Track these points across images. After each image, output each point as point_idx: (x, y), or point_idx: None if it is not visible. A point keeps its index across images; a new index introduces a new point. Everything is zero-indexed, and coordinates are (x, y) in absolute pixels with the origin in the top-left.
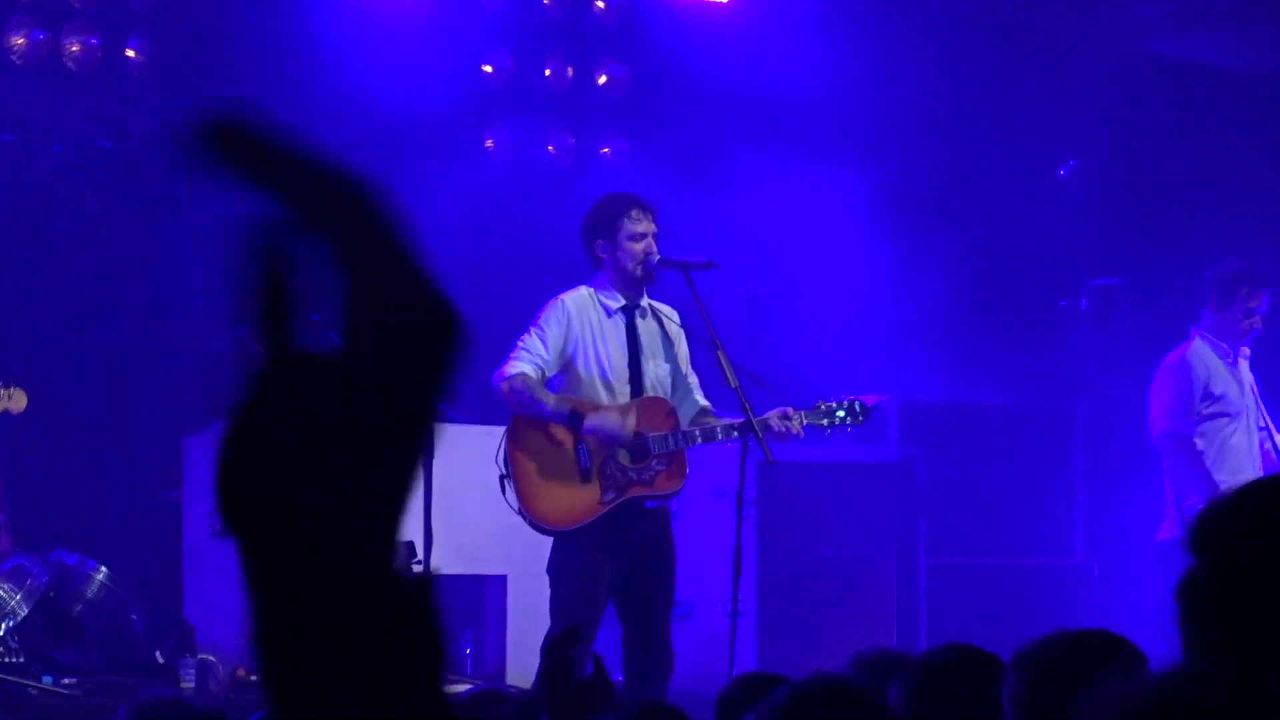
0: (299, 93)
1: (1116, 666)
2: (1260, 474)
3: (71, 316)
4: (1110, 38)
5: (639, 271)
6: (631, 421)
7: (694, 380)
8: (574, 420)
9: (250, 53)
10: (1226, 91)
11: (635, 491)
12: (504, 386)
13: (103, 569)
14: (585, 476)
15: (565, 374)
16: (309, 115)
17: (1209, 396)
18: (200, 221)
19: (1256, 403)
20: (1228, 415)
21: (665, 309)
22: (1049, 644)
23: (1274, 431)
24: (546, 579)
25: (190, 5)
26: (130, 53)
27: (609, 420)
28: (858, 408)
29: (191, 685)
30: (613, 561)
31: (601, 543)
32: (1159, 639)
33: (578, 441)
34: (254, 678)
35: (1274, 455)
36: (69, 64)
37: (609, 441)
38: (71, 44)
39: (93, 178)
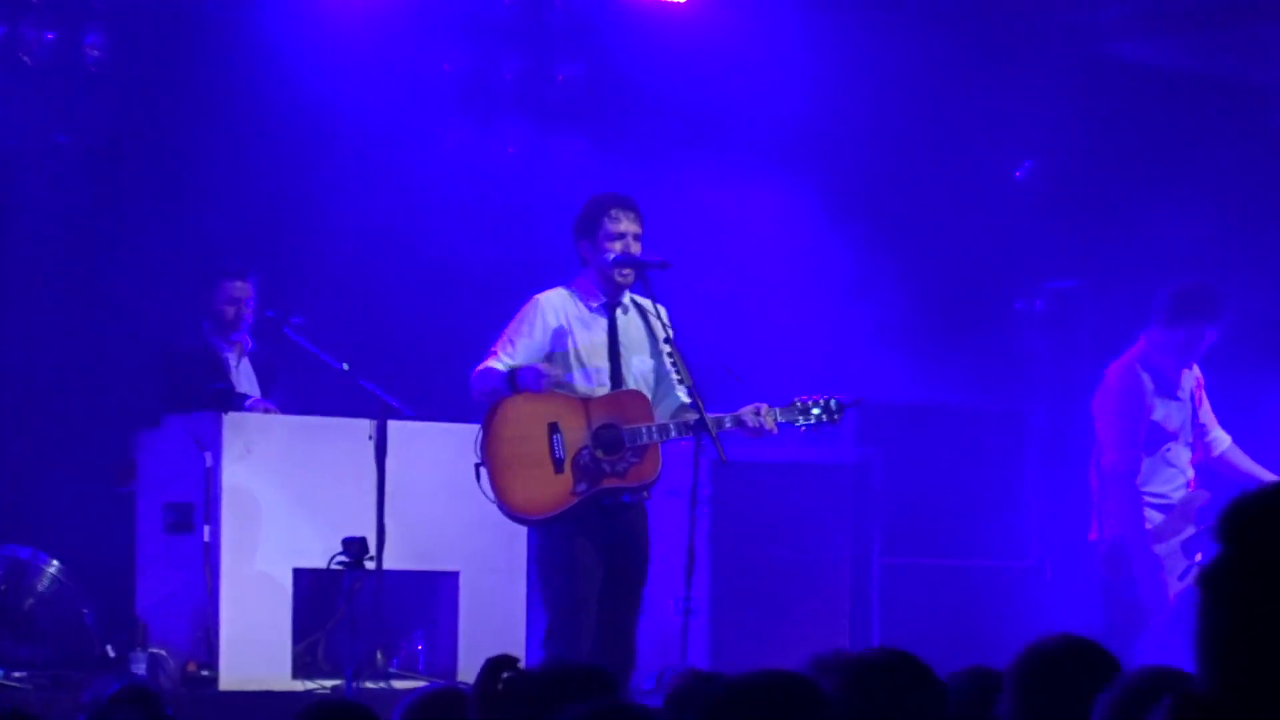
0: (257, 90)
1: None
2: (1190, 486)
3: (25, 311)
4: (1068, 40)
5: (617, 273)
6: (554, 371)
7: (677, 376)
8: (512, 378)
9: (208, 50)
10: (1183, 94)
11: (608, 483)
12: (476, 386)
13: (55, 563)
14: (558, 467)
15: None
16: (266, 112)
17: (1150, 427)
18: (155, 217)
19: (1192, 406)
20: (1166, 437)
21: (650, 305)
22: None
23: (1209, 428)
24: (498, 576)
25: (149, 1)
26: (88, 47)
27: (537, 369)
28: (833, 405)
29: (143, 679)
30: (590, 554)
31: (583, 531)
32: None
33: (552, 432)
34: (204, 672)
35: (1207, 453)
36: (24, 58)
37: (530, 383)
38: (28, 37)
39: (48, 172)
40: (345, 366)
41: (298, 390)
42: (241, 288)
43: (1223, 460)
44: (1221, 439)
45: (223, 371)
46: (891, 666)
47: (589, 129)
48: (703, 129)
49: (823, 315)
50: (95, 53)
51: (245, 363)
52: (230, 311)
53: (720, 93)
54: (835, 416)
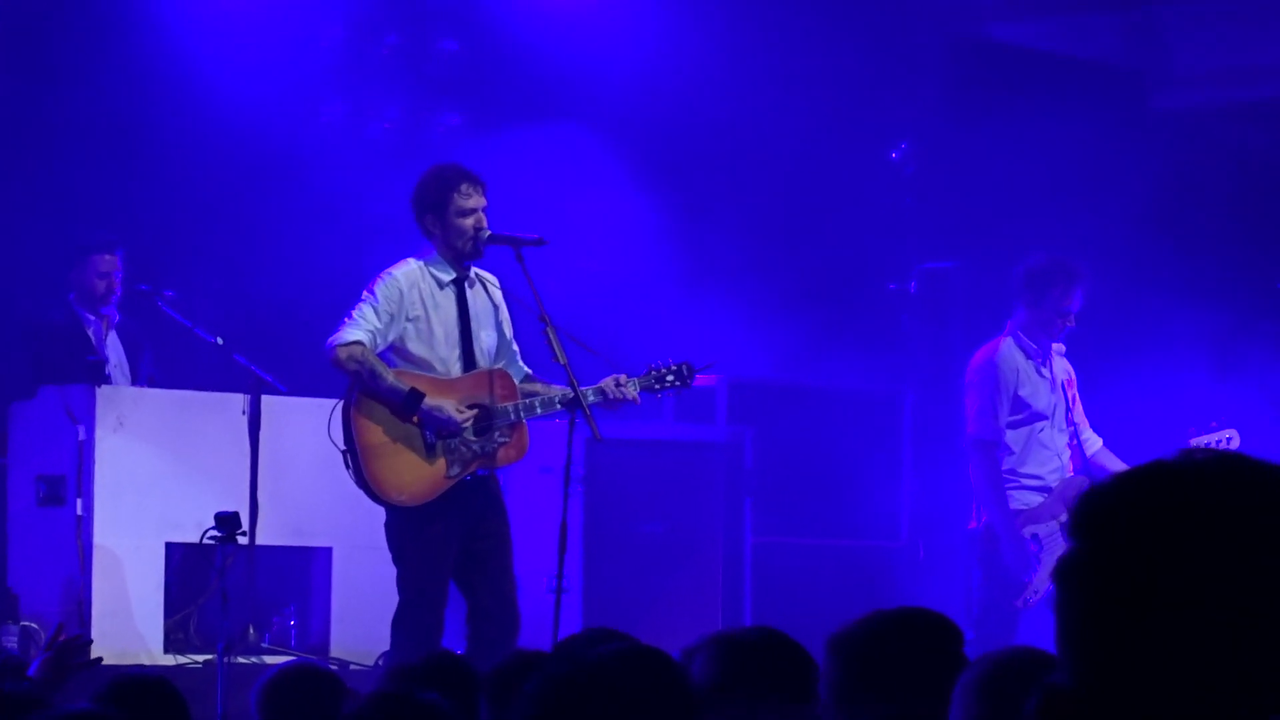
0: (128, 60)
1: (936, 643)
2: (1068, 470)
3: None
4: (944, 21)
5: (468, 247)
6: (466, 414)
7: (516, 347)
8: (411, 400)
9: (78, 19)
10: (1058, 77)
11: (478, 465)
12: (341, 353)
13: None
14: (430, 451)
15: (398, 347)
16: (138, 83)
17: (1017, 402)
18: (23, 190)
19: (1065, 399)
20: (1036, 417)
21: (488, 276)
22: (867, 625)
23: (1081, 427)
24: (372, 552)
25: None
26: None
27: (445, 409)
28: (685, 370)
29: (14, 653)
30: (449, 529)
31: (439, 512)
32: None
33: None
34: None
35: (1081, 452)
36: None
37: (444, 429)
38: None
39: None
40: (219, 341)
41: (172, 365)
42: (110, 261)
43: (1094, 462)
44: (1093, 440)
45: (90, 345)
46: (759, 643)
47: (463, 103)
48: (575, 105)
49: (698, 293)
50: None
51: (113, 335)
52: (101, 285)
53: (596, 71)
54: (688, 381)
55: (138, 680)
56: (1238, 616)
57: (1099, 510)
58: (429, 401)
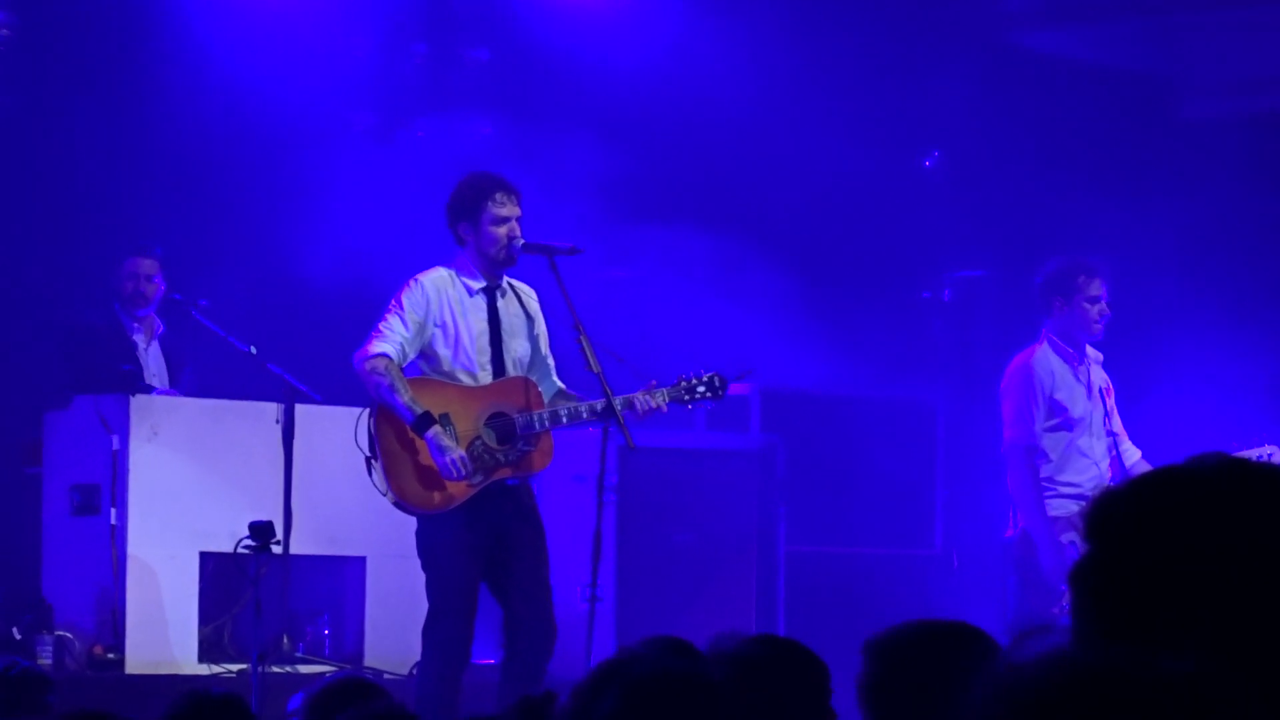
0: (167, 71)
1: (970, 656)
2: (1106, 479)
3: None
4: (975, 30)
5: (502, 255)
6: (468, 467)
7: (551, 362)
8: (420, 424)
9: (120, 29)
10: (1089, 85)
11: (502, 473)
12: (366, 367)
13: None
14: None
15: (426, 354)
16: (176, 93)
17: (1053, 406)
18: (66, 197)
19: (1104, 407)
20: (1073, 424)
21: (524, 288)
22: (903, 631)
23: (1120, 438)
24: (405, 561)
25: None
26: None
27: (449, 451)
28: (716, 381)
29: (49, 662)
30: (479, 538)
31: (466, 520)
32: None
33: (444, 424)
34: (110, 655)
35: (1120, 462)
36: None
37: (439, 466)
38: None
39: None
40: (252, 350)
41: (205, 373)
42: (147, 265)
43: (1132, 473)
44: (1132, 451)
45: (130, 352)
46: (773, 656)
47: (495, 112)
48: (603, 113)
49: (732, 302)
50: (4, 30)
51: (155, 346)
52: (129, 286)
53: (623, 78)
54: (720, 393)
55: (212, 697)
56: (1246, 618)
57: (1109, 514)
58: (432, 436)
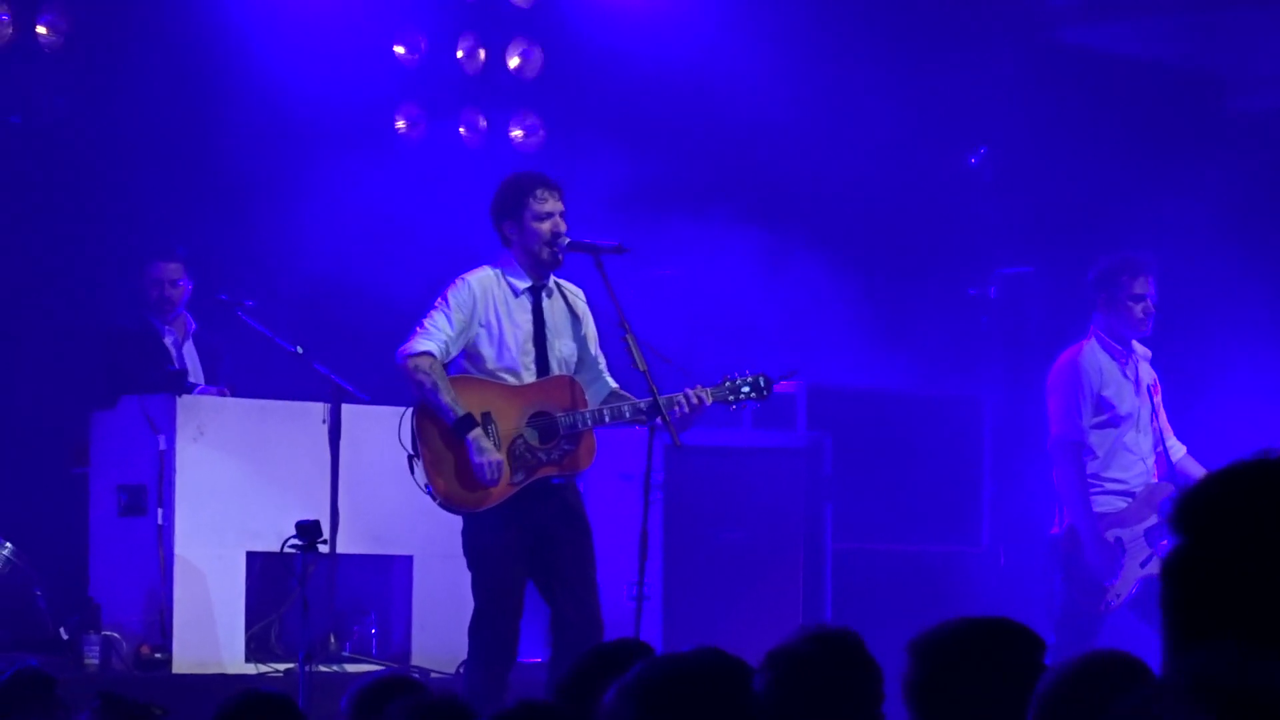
0: (212, 74)
1: (1016, 654)
2: (1152, 476)
3: None
4: (1020, 26)
5: (545, 253)
6: (504, 472)
7: (603, 361)
8: (460, 426)
9: (163, 32)
10: (1134, 80)
11: (545, 472)
12: (409, 364)
13: (8, 545)
14: None
15: (470, 353)
16: (221, 96)
17: (1100, 402)
18: (110, 199)
19: (1151, 403)
20: (1120, 420)
21: (572, 288)
22: (948, 630)
23: (1166, 434)
24: (452, 561)
25: None
26: (41, 29)
27: (487, 454)
28: (762, 382)
29: (95, 662)
30: (522, 537)
31: (510, 519)
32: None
33: (486, 422)
34: (158, 655)
35: (1166, 459)
36: None
37: (474, 468)
38: None
39: (1, 153)
40: (299, 350)
41: (251, 374)
42: (171, 269)
43: (1178, 469)
44: (1177, 447)
45: (164, 353)
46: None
47: (542, 110)
48: (651, 111)
49: (778, 299)
50: (50, 35)
51: (189, 344)
52: (154, 292)
53: (673, 77)
54: (765, 393)
55: (264, 696)
56: None
57: (1200, 506)
58: (472, 439)
